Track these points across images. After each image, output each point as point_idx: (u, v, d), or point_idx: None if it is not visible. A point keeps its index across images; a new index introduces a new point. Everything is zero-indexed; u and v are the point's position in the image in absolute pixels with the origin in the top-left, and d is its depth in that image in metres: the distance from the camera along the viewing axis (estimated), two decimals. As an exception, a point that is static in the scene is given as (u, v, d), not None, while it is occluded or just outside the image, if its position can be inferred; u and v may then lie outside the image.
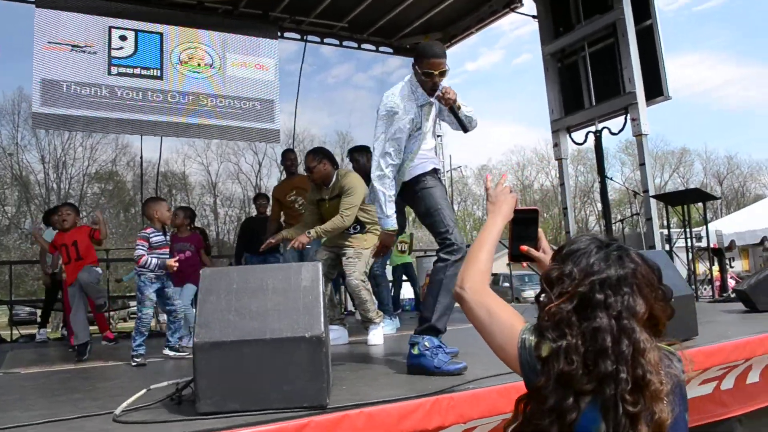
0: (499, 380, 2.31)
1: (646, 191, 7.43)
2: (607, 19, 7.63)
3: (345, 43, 9.71)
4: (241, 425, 1.90)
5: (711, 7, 52.73)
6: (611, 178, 10.33)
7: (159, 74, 8.04)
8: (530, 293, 16.48)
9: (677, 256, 7.36)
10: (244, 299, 2.21)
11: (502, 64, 56.08)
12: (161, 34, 8.11)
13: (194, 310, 3.05)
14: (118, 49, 7.81)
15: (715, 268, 8.22)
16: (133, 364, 3.73)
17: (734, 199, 35.87)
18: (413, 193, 3.07)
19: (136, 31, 7.95)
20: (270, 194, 6.66)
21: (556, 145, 8.57)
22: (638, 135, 7.37)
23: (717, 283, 7.81)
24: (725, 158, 38.01)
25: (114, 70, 7.74)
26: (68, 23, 7.51)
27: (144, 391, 2.37)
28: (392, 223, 3.05)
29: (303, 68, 9.57)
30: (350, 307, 8.16)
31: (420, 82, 3.03)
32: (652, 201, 7.39)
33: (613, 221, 8.83)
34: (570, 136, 8.50)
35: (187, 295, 4.96)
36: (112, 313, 14.12)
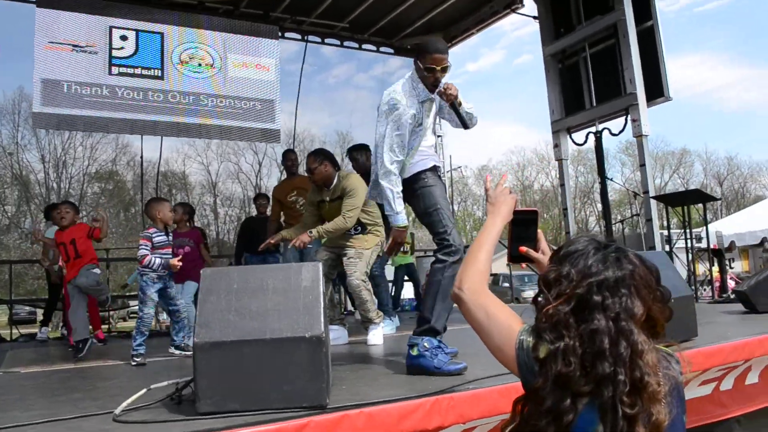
0: (499, 380, 2.30)
1: (646, 192, 7.43)
2: (608, 20, 7.63)
3: (346, 43, 9.70)
4: (241, 425, 1.90)
5: (712, 8, 52.75)
6: (611, 179, 10.35)
7: (160, 74, 8.05)
8: (530, 294, 16.41)
9: (677, 256, 7.35)
10: (244, 299, 2.22)
11: (502, 65, 56.18)
12: (162, 34, 8.12)
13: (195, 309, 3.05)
14: (118, 49, 7.82)
15: (715, 269, 8.21)
16: (133, 363, 3.74)
17: (734, 200, 35.83)
18: (413, 191, 3.04)
19: (137, 31, 7.96)
20: (270, 194, 6.66)
21: (556, 145, 8.57)
22: (639, 136, 7.38)
23: (717, 284, 7.82)
24: (725, 159, 38.08)
25: (115, 70, 7.76)
26: (69, 23, 7.51)
27: (144, 390, 2.36)
28: (403, 219, 3.04)
29: (304, 68, 9.58)
30: (350, 307, 8.15)
31: (421, 77, 3.02)
32: (652, 202, 7.38)
33: (613, 222, 8.81)
34: (570, 137, 8.49)
35: (189, 292, 4.96)
36: (112, 312, 14.15)
